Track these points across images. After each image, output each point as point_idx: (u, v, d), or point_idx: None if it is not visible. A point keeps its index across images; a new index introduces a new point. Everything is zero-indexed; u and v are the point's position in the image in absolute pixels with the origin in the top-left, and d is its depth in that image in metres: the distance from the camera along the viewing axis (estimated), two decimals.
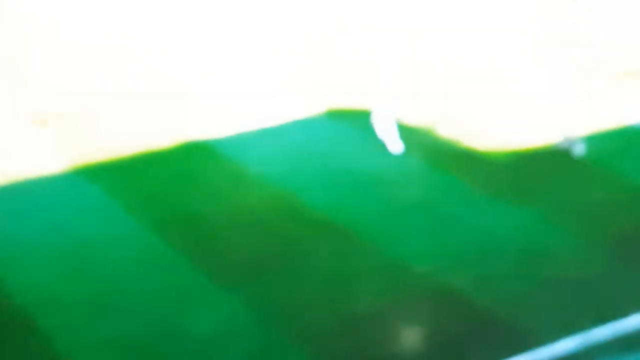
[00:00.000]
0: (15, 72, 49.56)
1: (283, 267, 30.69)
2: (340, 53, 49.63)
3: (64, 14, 59.86)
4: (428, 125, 40.30)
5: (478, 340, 26.88)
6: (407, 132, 39.66)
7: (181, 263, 31.22)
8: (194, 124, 41.47)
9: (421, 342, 26.86)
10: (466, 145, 38.67)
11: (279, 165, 37.40)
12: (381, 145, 38.19)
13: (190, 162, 38.47)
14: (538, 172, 36.64)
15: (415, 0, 58.90)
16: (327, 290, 29.35)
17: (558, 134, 37.34)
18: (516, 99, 43.41)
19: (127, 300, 29.40)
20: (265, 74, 47.17)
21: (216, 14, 58.39)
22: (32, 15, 59.61)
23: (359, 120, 40.67)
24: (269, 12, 57.68)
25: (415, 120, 40.34)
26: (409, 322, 27.73)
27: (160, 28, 55.84)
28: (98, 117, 42.92)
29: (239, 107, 43.28)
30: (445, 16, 56.24)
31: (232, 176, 36.92)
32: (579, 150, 36.47)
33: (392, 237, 32.06)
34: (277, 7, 58.46)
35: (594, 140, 38.25)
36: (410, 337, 27.11)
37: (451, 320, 27.76)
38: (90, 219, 34.02)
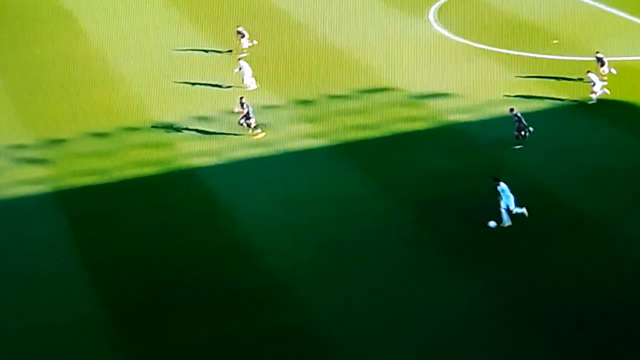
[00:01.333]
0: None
1: (523, 253, 31.12)
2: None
3: None
4: None
5: None
6: None
7: (429, 242, 32.23)
8: (451, 107, 42.35)
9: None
10: None
11: (529, 154, 37.51)
12: (629, 139, 38.00)
13: (444, 141, 39.17)
14: None
15: None
16: (558, 280, 29.60)
17: None
18: None
19: (369, 274, 30.86)
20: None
21: None
22: None
23: (610, 114, 40.34)
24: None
25: None
26: (633, 318, 27.68)
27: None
28: None
29: (490, 94, 43.62)
30: None
31: (486, 161, 37.27)
32: None
33: (631, 234, 31.79)
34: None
35: None
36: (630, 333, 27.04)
37: None
38: (348, 197, 35.38)
